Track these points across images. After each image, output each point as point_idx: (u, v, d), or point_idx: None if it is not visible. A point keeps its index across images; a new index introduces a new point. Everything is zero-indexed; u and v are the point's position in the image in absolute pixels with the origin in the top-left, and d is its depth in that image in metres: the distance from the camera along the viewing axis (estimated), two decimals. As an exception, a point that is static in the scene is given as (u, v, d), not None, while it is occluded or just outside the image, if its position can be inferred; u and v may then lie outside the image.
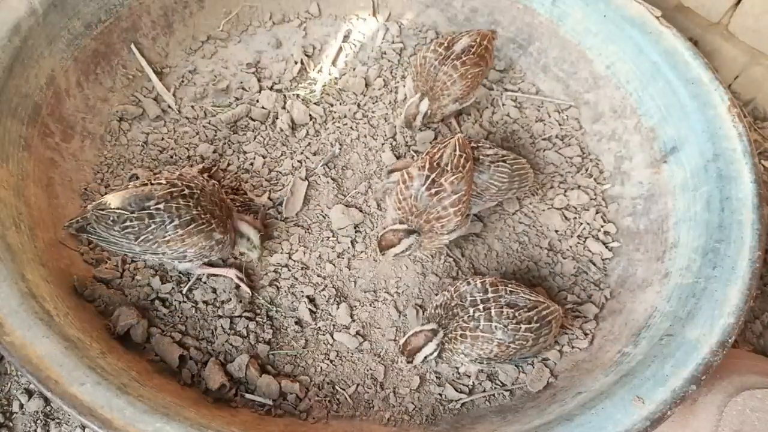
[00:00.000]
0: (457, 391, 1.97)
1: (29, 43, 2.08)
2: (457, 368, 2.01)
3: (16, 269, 1.68)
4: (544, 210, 2.35)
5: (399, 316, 2.10)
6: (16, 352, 1.52)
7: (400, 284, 2.16)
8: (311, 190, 2.33)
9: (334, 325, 2.07)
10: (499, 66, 2.69)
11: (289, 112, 2.47)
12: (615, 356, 1.87)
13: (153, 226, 1.79)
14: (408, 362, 1.85)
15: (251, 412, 1.84)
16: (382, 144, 2.43)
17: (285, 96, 2.54)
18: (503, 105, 2.59)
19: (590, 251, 2.26)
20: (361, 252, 2.20)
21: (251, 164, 2.36)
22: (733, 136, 1.99)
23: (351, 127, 2.47)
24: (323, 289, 2.12)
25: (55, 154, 2.16)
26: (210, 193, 1.91)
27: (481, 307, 1.76)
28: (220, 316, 2.01)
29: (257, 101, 2.51)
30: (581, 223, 2.32)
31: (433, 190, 1.87)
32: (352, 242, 2.22)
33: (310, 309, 2.07)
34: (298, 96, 2.55)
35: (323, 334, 2.05)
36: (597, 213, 2.33)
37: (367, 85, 2.60)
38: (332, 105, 2.54)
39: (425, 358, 1.83)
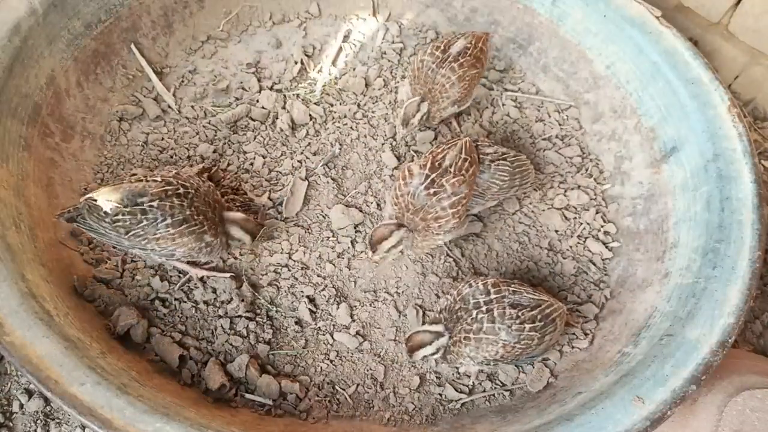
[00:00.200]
0: (457, 391, 1.97)
1: (29, 43, 2.08)
2: (457, 368, 2.01)
3: (16, 269, 1.68)
4: (544, 210, 2.35)
5: (399, 316, 2.10)
6: (16, 352, 1.52)
7: (400, 284, 2.16)
8: (311, 190, 2.33)
9: (334, 325, 2.07)
10: (499, 66, 2.69)
11: (289, 112, 2.47)
12: (615, 356, 1.86)
13: (145, 222, 1.79)
14: (409, 355, 1.85)
15: (251, 412, 1.84)
16: (382, 144, 2.43)
17: (285, 96, 2.54)
18: (503, 105, 2.59)
19: (590, 251, 2.27)
20: (361, 252, 2.20)
21: (251, 164, 2.36)
22: (733, 136, 1.99)
23: (351, 127, 2.47)
24: (323, 289, 2.12)
25: (55, 154, 2.16)
26: (204, 194, 1.91)
27: (484, 309, 1.75)
28: (220, 316, 2.01)
29: (257, 101, 2.51)
30: (581, 223, 2.32)
31: (431, 190, 1.87)
32: (352, 242, 2.22)
33: (310, 309, 2.07)
34: (298, 96, 2.55)
35: (323, 334, 2.05)
36: (597, 213, 2.33)
37: (367, 85, 2.60)
38: (332, 105, 2.54)
39: (424, 357, 1.83)
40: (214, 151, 2.37)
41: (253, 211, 2.24)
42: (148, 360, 1.86)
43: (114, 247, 2.00)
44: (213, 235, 1.91)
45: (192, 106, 2.48)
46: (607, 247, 2.26)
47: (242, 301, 2.02)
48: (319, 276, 2.15)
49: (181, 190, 1.84)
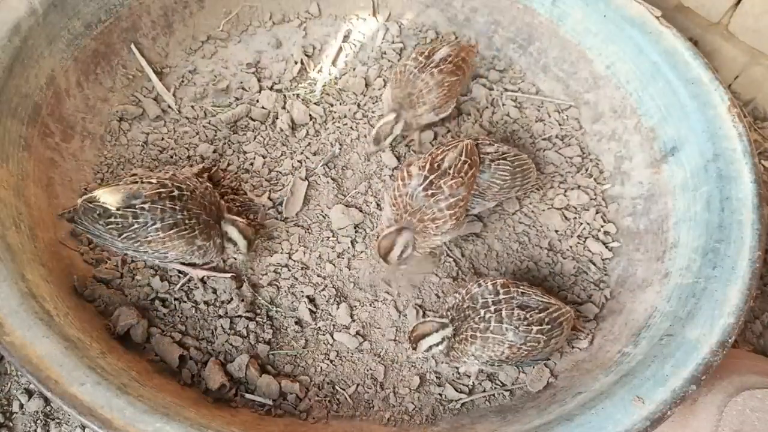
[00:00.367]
0: (457, 391, 1.97)
1: (29, 43, 2.08)
2: (457, 368, 2.01)
3: (16, 269, 1.68)
4: (544, 210, 2.35)
5: (399, 316, 2.10)
6: (16, 352, 1.52)
7: (400, 284, 2.16)
8: (311, 190, 2.33)
9: (334, 325, 2.07)
10: (499, 66, 2.69)
11: (289, 112, 2.47)
12: (615, 356, 1.86)
13: (136, 225, 1.79)
14: (413, 348, 1.84)
15: (251, 412, 1.84)
16: (382, 144, 2.43)
17: (285, 96, 2.54)
18: (503, 105, 2.59)
19: (590, 251, 2.26)
20: (361, 252, 2.20)
21: (251, 164, 2.36)
22: (733, 136, 1.99)
23: (351, 127, 2.47)
24: (323, 289, 2.12)
25: (55, 154, 2.16)
26: (200, 196, 1.90)
27: (492, 308, 1.75)
28: (220, 316, 2.01)
29: (257, 101, 2.51)
30: (581, 223, 2.32)
31: (429, 192, 1.87)
32: (352, 242, 2.22)
33: (310, 309, 2.07)
34: (298, 96, 2.55)
35: (323, 334, 2.05)
36: (597, 213, 2.33)
37: (367, 85, 2.60)
38: (332, 105, 2.54)
39: (429, 347, 1.81)
40: (214, 151, 2.37)
41: (253, 211, 2.24)
42: (148, 360, 1.86)
43: (113, 249, 1.99)
44: (205, 239, 1.90)
45: (192, 106, 2.48)
46: (607, 247, 2.26)
47: (242, 301, 2.02)
48: (319, 276, 2.15)
49: (175, 193, 1.83)
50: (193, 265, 2.04)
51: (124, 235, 1.81)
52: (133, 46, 2.47)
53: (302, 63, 2.63)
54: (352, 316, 2.08)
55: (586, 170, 2.44)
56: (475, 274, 2.19)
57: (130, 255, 2.02)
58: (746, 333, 2.25)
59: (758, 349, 2.22)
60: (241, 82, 2.57)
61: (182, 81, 2.55)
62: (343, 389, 1.96)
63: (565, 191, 2.38)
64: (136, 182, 1.84)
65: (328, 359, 2.01)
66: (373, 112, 2.52)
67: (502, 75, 2.68)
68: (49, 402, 1.96)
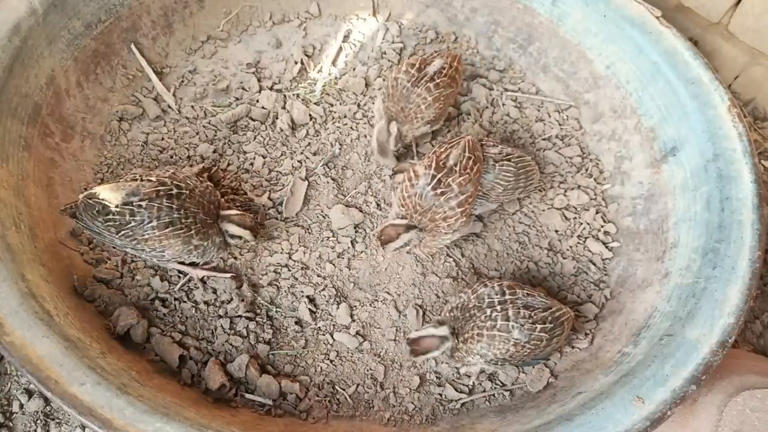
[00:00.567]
0: (457, 391, 1.97)
1: (29, 43, 2.08)
2: (458, 368, 2.01)
3: (16, 269, 1.69)
4: (544, 210, 2.35)
5: (399, 316, 2.10)
6: (16, 352, 1.52)
7: (400, 284, 2.16)
8: (311, 190, 2.33)
9: (334, 325, 2.07)
10: (499, 66, 2.69)
11: (289, 112, 2.47)
12: (615, 356, 1.87)
13: (133, 223, 1.79)
14: (413, 356, 1.85)
15: (251, 412, 1.84)
16: (382, 144, 2.43)
17: (285, 96, 2.54)
18: (503, 105, 2.59)
19: (590, 251, 2.26)
20: (361, 252, 2.20)
21: (251, 164, 2.36)
22: (733, 136, 1.99)
23: (351, 127, 2.47)
24: (323, 289, 2.12)
25: (55, 154, 2.16)
26: (199, 195, 1.90)
27: (498, 308, 1.79)
28: (220, 316, 2.01)
29: (257, 101, 2.51)
30: (581, 223, 2.32)
31: (438, 190, 1.88)
32: (352, 242, 2.22)
33: (310, 309, 2.07)
34: (298, 96, 2.55)
35: (323, 334, 2.05)
36: (597, 213, 2.33)
37: (367, 85, 2.60)
38: (332, 105, 2.54)
39: (427, 359, 1.84)
40: (214, 151, 2.37)
41: (253, 211, 2.24)
42: (148, 360, 1.86)
43: (113, 247, 1.99)
44: (202, 238, 1.90)
45: (192, 106, 2.48)
46: (607, 247, 2.26)
47: (242, 301, 2.02)
48: (319, 276, 2.15)
49: (174, 191, 1.83)
50: (193, 264, 2.04)
51: (122, 232, 1.81)
52: (133, 46, 2.47)
53: (302, 63, 2.63)
54: (352, 316, 2.08)
55: (586, 170, 2.44)
56: (475, 274, 2.19)
57: (129, 253, 2.02)
58: (746, 333, 2.25)
59: (758, 349, 2.22)
60: (241, 82, 2.57)
61: (182, 81, 2.55)
62: (343, 389, 1.96)
63: (565, 191, 2.38)
64: (136, 180, 1.84)
65: (328, 359, 2.01)
66: (373, 112, 2.52)
67: (502, 75, 2.68)
68: (49, 402, 1.96)
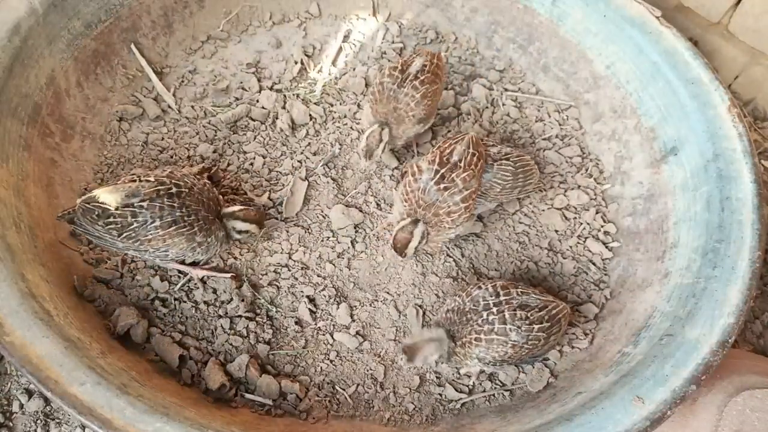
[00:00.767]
0: (457, 391, 1.97)
1: (29, 43, 2.08)
2: (458, 369, 2.01)
3: (16, 269, 1.69)
4: (544, 210, 2.35)
5: (399, 316, 2.10)
6: (16, 352, 1.52)
7: (400, 284, 2.16)
8: (311, 190, 2.33)
9: (334, 325, 2.07)
10: (499, 66, 2.69)
11: (289, 112, 2.47)
12: (615, 356, 1.87)
13: (135, 224, 1.79)
14: (408, 361, 1.83)
15: (251, 412, 1.84)
16: (382, 144, 2.42)
17: (285, 96, 2.54)
18: (503, 105, 2.59)
19: (590, 251, 2.26)
20: (361, 252, 2.20)
21: (251, 164, 2.36)
22: (733, 136, 1.99)
23: (351, 127, 2.47)
24: (323, 289, 2.12)
25: (55, 154, 2.16)
26: (198, 192, 1.90)
27: (494, 310, 1.78)
28: (220, 316, 2.01)
29: (257, 101, 2.51)
30: (581, 223, 2.32)
31: (442, 185, 1.88)
32: (352, 242, 2.22)
33: (310, 309, 2.07)
34: (298, 96, 2.55)
35: (323, 334, 2.05)
36: (597, 213, 2.33)
37: (367, 85, 2.60)
38: (332, 105, 2.54)
39: (425, 360, 1.82)
40: (214, 151, 2.37)
41: (253, 211, 2.24)
42: (148, 360, 1.86)
43: (116, 249, 1.99)
44: (205, 235, 1.91)
45: (192, 106, 2.48)
46: (607, 247, 2.26)
47: (242, 301, 2.02)
48: (319, 276, 2.15)
49: (174, 190, 1.83)
50: (193, 264, 2.04)
51: (124, 234, 1.81)
52: (133, 46, 2.47)
53: (302, 63, 2.63)
54: (352, 316, 2.08)
55: (586, 170, 2.44)
56: (475, 274, 2.19)
57: (130, 255, 2.02)
58: (746, 333, 2.25)
59: (758, 349, 2.23)
60: (241, 82, 2.57)
61: (182, 81, 2.55)
62: (343, 389, 1.96)
63: (565, 191, 2.38)
64: (134, 181, 1.84)
65: (328, 359, 2.01)
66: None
67: (502, 75, 2.68)
68: (49, 402, 1.96)
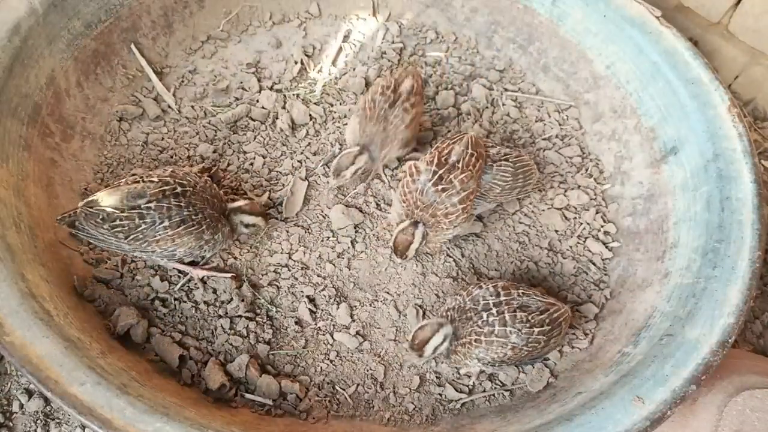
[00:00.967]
0: (457, 391, 1.97)
1: (29, 43, 2.08)
2: (458, 368, 2.01)
3: (16, 269, 1.68)
4: (544, 210, 2.35)
5: (399, 316, 2.10)
6: (16, 352, 1.52)
7: (400, 284, 2.16)
8: (311, 190, 2.33)
9: (334, 325, 2.07)
10: (499, 66, 2.69)
11: (289, 112, 2.47)
12: (615, 356, 1.87)
13: (143, 225, 1.79)
14: (419, 356, 1.82)
15: (251, 412, 1.84)
16: (382, 144, 2.42)
17: (285, 96, 2.54)
18: (503, 105, 2.59)
19: (590, 251, 2.26)
20: (361, 252, 2.20)
21: (251, 164, 2.36)
22: (733, 136, 1.99)
23: (351, 127, 2.47)
24: (323, 289, 2.12)
25: (55, 154, 2.16)
26: (202, 190, 1.90)
27: (494, 311, 1.77)
28: (220, 316, 2.01)
29: (257, 101, 2.51)
30: (581, 223, 2.32)
31: (439, 186, 1.88)
32: (352, 242, 2.22)
33: (310, 309, 2.07)
34: (298, 96, 2.55)
35: (323, 334, 2.05)
36: (597, 213, 2.33)
37: (367, 85, 2.60)
38: (332, 105, 2.54)
39: (435, 349, 1.80)
40: (214, 151, 2.37)
41: (253, 210, 2.23)
42: (148, 360, 1.86)
43: (123, 252, 1.99)
44: (213, 232, 1.92)
45: (192, 106, 2.48)
46: (607, 247, 2.26)
47: (242, 301, 2.02)
48: (319, 276, 2.15)
49: (179, 189, 1.83)
50: (193, 264, 2.04)
51: (131, 236, 1.80)
52: (133, 46, 2.47)
53: (302, 63, 2.63)
54: (352, 316, 2.08)
55: (586, 170, 2.44)
56: (475, 274, 2.19)
57: (136, 255, 2.01)
58: (746, 333, 2.25)
59: (758, 349, 2.23)
60: (241, 82, 2.57)
61: (182, 81, 2.55)
62: (343, 389, 1.96)
63: (565, 191, 2.38)
64: (138, 182, 1.84)
65: (328, 359, 2.01)
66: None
67: (502, 75, 2.68)
68: (49, 402, 1.96)
